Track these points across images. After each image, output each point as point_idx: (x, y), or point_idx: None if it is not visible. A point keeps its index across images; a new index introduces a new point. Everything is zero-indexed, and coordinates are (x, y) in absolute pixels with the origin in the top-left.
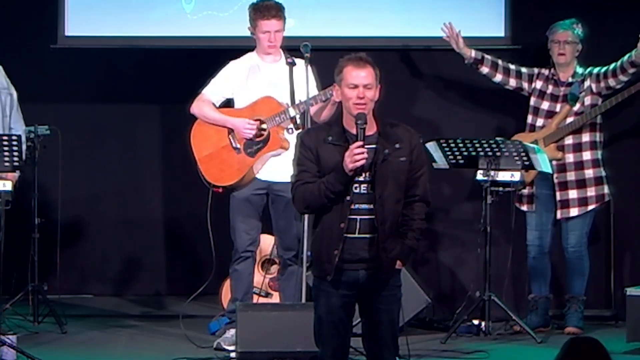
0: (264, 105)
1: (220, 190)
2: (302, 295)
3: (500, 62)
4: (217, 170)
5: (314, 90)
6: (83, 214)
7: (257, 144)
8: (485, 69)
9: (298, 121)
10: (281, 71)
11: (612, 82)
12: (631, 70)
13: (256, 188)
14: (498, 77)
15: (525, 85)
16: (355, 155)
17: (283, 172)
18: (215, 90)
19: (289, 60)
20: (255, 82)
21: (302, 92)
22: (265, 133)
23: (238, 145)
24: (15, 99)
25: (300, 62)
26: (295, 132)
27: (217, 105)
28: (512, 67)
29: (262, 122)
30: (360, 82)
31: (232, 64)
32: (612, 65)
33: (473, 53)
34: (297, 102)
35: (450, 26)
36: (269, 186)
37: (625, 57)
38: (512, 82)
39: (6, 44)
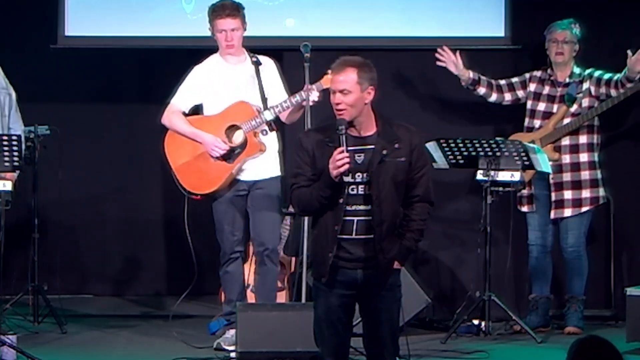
0: (238, 110)
1: (199, 197)
2: (302, 295)
3: (493, 81)
4: (195, 178)
5: (281, 90)
6: (83, 214)
7: (235, 150)
8: (482, 90)
9: (272, 123)
10: (247, 72)
11: (613, 92)
12: (629, 85)
13: (239, 189)
14: (494, 97)
15: (521, 93)
16: (337, 162)
17: (264, 170)
18: (183, 98)
19: (254, 59)
20: (221, 84)
21: (271, 90)
22: (236, 145)
23: None
24: (14, 99)
25: (265, 61)
26: (270, 134)
27: (187, 112)
28: (503, 82)
29: (237, 127)
30: (336, 87)
31: (196, 70)
32: (614, 76)
33: (471, 74)
34: (269, 102)
35: (446, 50)
36: (251, 186)
37: (622, 74)
38: (508, 97)
39: (6, 44)
